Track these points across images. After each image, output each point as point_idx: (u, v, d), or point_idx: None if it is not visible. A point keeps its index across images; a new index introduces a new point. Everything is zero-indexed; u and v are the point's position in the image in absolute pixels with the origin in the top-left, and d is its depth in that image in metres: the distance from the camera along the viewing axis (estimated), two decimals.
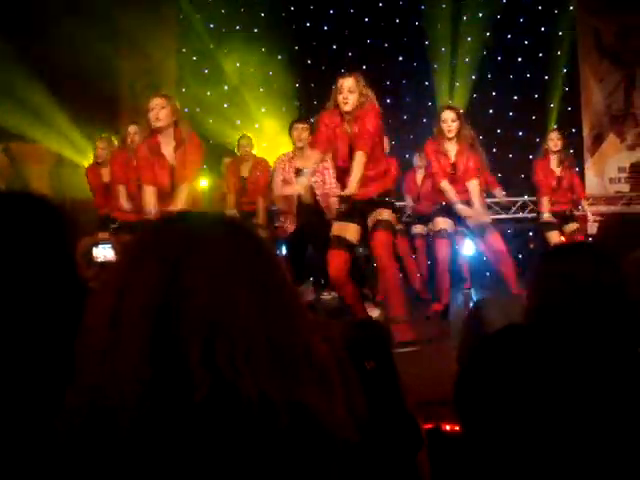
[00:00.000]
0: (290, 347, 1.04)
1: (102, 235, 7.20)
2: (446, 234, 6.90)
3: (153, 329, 0.99)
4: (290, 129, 7.37)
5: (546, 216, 8.26)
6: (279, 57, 11.20)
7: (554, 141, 8.20)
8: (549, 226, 8.27)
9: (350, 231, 5.59)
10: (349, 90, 5.79)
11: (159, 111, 5.59)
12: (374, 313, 6.56)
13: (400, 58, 11.41)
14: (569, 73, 11.33)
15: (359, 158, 5.42)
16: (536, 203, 10.45)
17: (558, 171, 8.22)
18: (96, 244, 5.48)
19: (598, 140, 11.28)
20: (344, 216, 5.67)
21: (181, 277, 1.02)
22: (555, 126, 10.03)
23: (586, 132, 11.28)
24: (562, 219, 8.39)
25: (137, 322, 1.00)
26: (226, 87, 11.41)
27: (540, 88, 11.28)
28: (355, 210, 5.63)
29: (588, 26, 11.29)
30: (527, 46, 11.41)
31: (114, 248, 5.39)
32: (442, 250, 6.92)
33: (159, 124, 5.61)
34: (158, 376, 0.98)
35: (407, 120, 11.10)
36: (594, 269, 1.82)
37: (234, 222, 1.17)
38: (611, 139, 11.27)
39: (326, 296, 8.20)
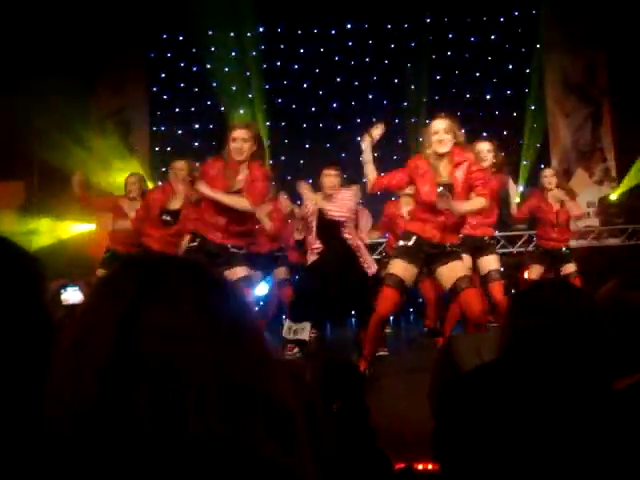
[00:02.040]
0: (246, 392, 1.02)
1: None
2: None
3: (106, 362, 0.99)
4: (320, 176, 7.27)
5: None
6: (250, 96, 11.26)
7: (548, 178, 8.18)
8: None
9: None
10: (445, 131, 5.73)
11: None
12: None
13: (370, 96, 11.51)
14: (537, 109, 11.48)
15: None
16: (508, 238, 10.57)
17: (556, 207, 8.15)
18: (64, 287, 5.44)
19: (566, 175, 11.40)
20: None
21: (136, 319, 1.02)
22: (544, 166, 9.98)
23: (555, 167, 11.41)
24: (556, 258, 8.26)
25: (91, 358, 1.00)
26: (197, 125, 11.44)
27: (509, 125, 11.41)
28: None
29: (555, 63, 11.49)
30: (495, 83, 11.57)
31: (82, 291, 5.34)
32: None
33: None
34: (104, 405, 0.98)
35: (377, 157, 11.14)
36: (568, 304, 1.82)
37: (194, 265, 1.15)
38: (579, 174, 11.41)
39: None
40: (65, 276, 6.91)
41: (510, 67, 11.63)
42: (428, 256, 5.73)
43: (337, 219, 6.90)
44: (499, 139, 11.16)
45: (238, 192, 5.87)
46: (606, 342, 1.83)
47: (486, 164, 6.94)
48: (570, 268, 8.21)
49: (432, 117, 5.87)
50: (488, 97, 11.58)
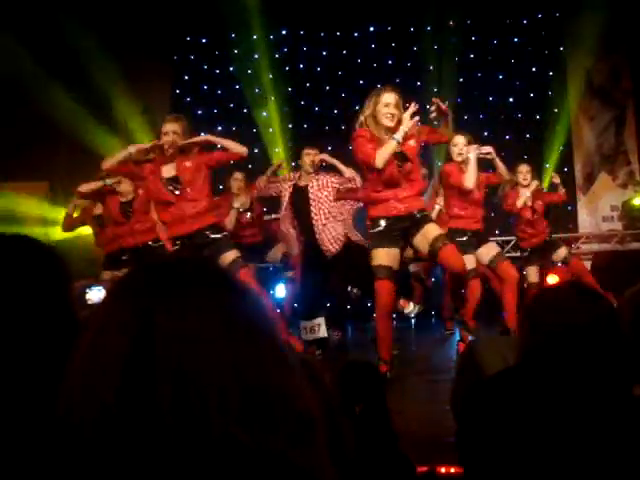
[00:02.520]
0: (265, 394, 1.02)
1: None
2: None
3: (124, 370, 0.99)
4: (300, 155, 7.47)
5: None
6: (272, 99, 11.28)
7: (523, 174, 8.21)
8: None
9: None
10: (394, 106, 5.82)
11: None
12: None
13: None
14: (560, 113, 11.42)
15: None
16: None
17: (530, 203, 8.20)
18: (90, 286, 5.49)
19: (590, 179, 11.36)
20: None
21: (153, 323, 1.02)
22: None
23: (578, 171, 11.36)
24: (544, 250, 8.35)
25: (108, 363, 1.00)
26: (220, 128, 11.47)
27: (532, 128, 11.36)
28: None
29: (579, 66, 11.42)
30: (518, 86, 11.52)
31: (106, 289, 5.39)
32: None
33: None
34: (123, 407, 0.98)
35: None
36: (589, 307, 1.81)
37: (210, 266, 1.15)
38: (603, 178, 11.34)
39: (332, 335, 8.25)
40: (84, 271, 6.97)
41: (533, 70, 11.57)
42: (402, 232, 5.75)
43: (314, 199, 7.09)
44: (522, 142, 11.20)
45: (175, 180, 6.02)
46: (625, 347, 1.82)
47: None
48: (562, 253, 8.21)
49: (381, 88, 5.95)
50: (511, 100, 11.53)
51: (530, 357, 1.84)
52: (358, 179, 7.04)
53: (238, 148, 6.41)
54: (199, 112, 11.50)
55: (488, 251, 7.19)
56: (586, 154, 11.41)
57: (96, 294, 5.55)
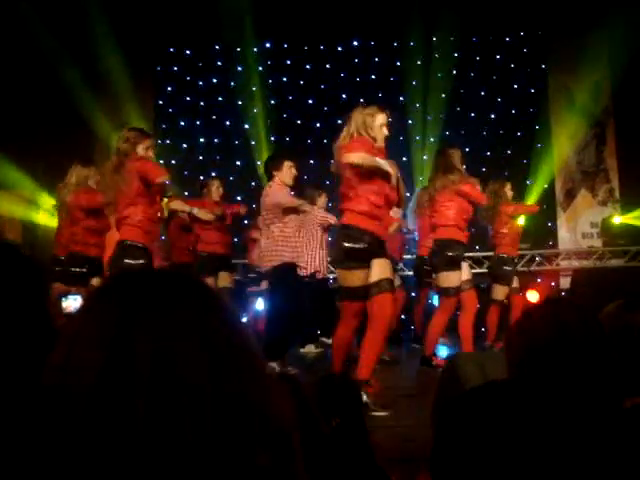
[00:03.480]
0: (242, 405, 1.02)
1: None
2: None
3: (97, 383, 0.98)
4: (280, 166, 7.17)
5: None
6: (255, 110, 11.29)
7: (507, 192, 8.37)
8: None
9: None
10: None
11: None
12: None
13: None
14: (541, 129, 11.51)
15: None
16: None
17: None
18: (64, 295, 5.45)
19: (570, 196, 11.44)
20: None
21: (130, 335, 1.01)
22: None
23: (558, 188, 11.45)
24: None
25: (83, 370, 0.99)
26: (202, 139, 11.47)
27: (513, 144, 11.44)
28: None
29: (560, 84, 11.52)
30: (500, 103, 11.61)
31: (84, 299, 5.36)
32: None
33: None
34: (97, 417, 0.97)
35: None
36: (577, 321, 1.81)
37: (191, 282, 1.14)
38: (583, 195, 11.42)
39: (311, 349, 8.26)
40: None
41: (515, 87, 11.66)
42: (372, 253, 5.37)
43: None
44: (503, 158, 11.27)
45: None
46: (614, 361, 1.82)
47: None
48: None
49: (374, 107, 5.92)
50: (493, 116, 11.61)
51: (520, 370, 1.84)
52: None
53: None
54: (182, 123, 11.50)
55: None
56: (567, 171, 11.50)
57: (72, 303, 5.50)
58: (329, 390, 2.64)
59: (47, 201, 9.60)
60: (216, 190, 8.57)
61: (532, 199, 10.95)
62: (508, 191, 8.34)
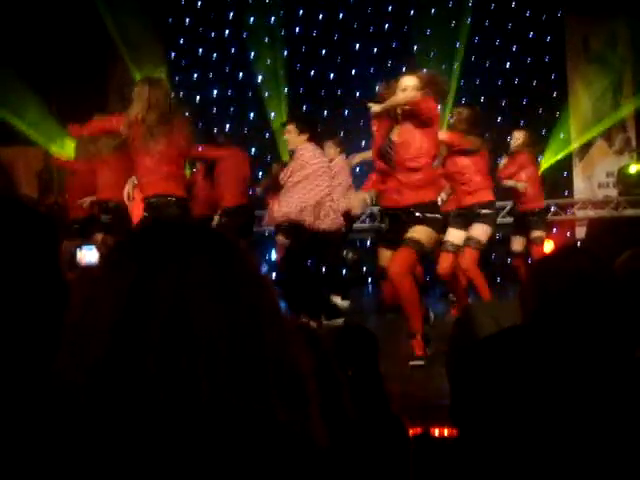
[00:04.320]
0: (258, 357, 1.02)
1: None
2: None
3: (115, 332, 1.00)
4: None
5: None
6: (268, 62, 11.21)
7: (514, 140, 8.23)
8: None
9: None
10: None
11: None
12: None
13: (389, 63, 11.43)
14: (557, 79, 11.37)
15: None
16: None
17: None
18: (79, 247, 5.45)
19: (586, 145, 11.34)
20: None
21: (146, 285, 1.02)
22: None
23: (574, 136, 11.33)
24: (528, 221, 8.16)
25: (100, 322, 1.01)
26: (215, 92, 11.41)
27: (528, 93, 11.32)
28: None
29: (576, 32, 11.36)
30: (515, 51, 11.46)
31: (99, 250, 5.37)
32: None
33: None
34: (113, 372, 0.98)
35: None
36: (592, 270, 1.82)
37: (205, 228, 1.16)
38: (599, 144, 11.32)
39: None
40: None
41: (531, 35, 11.50)
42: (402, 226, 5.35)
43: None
44: (518, 108, 11.16)
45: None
46: (627, 310, 1.84)
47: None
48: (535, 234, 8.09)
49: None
50: (508, 65, 11.47)
51: (534, 317, 1.85)
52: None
53: None
54: (195, 76, 11.43)
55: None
56: (582, 120, 11.38)
57: (87, 254, 5.51)
58: (346, 340, 2.67)
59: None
60: None
61: (548, 148, 10.88)
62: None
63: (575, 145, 11.31)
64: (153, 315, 1.00)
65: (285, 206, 6.73)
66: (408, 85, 5.25)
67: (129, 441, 0.96)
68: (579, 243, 10.43)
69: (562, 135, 11.18)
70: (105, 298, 1.03)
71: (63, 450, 0.98)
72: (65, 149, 9.84)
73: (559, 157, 11.13)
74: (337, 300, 8.17)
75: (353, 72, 11.47)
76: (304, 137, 6.78)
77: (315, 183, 6.74)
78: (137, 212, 5.64)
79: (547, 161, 10.91)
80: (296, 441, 1.02)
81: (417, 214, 5.26)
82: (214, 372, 0.98)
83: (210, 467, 0.96)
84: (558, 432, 1.66)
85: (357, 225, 9.35)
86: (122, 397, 0.98)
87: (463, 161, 6.73)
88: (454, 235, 6.81)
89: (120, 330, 0.99)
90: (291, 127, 6.83)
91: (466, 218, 6.79)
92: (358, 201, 5.68)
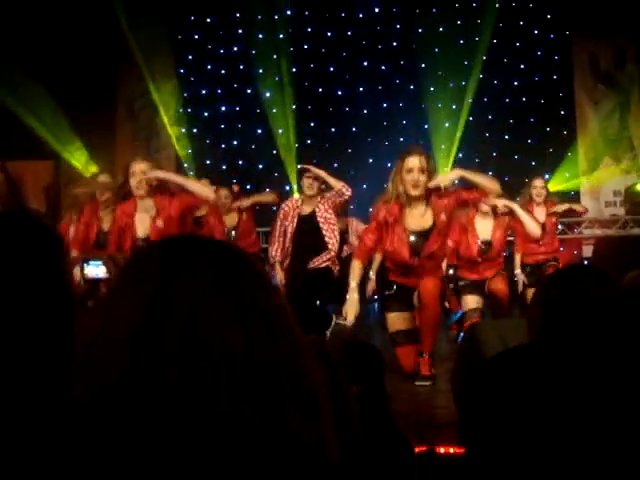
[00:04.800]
0: (274, 370, 1.03)
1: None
2: None
3: (134, 345, 1.00)
4: (300, 176, 7.26)
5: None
6: (276, 79, 11.25)
7: (537, 190, 7.86)
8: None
9: None
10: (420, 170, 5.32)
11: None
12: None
13: (397, 81, 11.47)
14: (565, 97, 11.39)
15: None
16: None
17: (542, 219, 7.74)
18: (87, 261, 5.46)
19: (593, 163, 11.33)
20: None
21: (165, 299, 1.02)
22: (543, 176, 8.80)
23: (581, 156, 11.33)
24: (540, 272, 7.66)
25: (119, 338, 1.01)
26: (223, 108, 11.45)
27: (536, 112, 11.33)
28: None
29: (584, 50, 11.38)
30: (523, 70, 11.48)
31: (106, 265, 5.37)
32: None
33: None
34: (132, 389, 0.98)
35: (403, 143, 11.14)
36: (599, 288, 1.82)
37: (221, 244, 1.16)
38: (606, 163, 11.31)
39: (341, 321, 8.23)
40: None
41: (539, 53, 11.53)
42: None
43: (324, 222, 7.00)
44: (525, 126, 11.17)
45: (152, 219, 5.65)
46: (635, 328, 1.83)
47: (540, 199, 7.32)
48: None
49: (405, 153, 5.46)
50: (515, 83, 11.49)
51: (543, 336, 1.85)
52: (348, 192, 6.94)
53: (205, 192, 5.74)
54: (203, 92, 11.48)
55: None
56: (590, 139, 11.37)
57: (94, 269, 5.52)
58: (352, 356, 2.66)
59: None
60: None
61: (555, 167, 10.89)
62: (533, 189, 7.94)
63: (583, 166, 11.29)
64: (172, 330, 1.00)
65: None
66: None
67: (148, 456, 0.96)
68: (586, 262, 10.41)
69: (569, 154, 11.17)
70: (122, 315, 1.03)
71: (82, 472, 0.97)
72: (75, 158, 9.92)
73: (569, 185, 11.11)
74: (340, 320, 8.19)
75: (361, 89, 11.51)
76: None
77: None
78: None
79: (556, 181, 10.89)
80: (308, 454, 1.02)
81: None
82: (233, 382, 0.99)
83: (226, 476, 0.97)
84: (567, 451, 1.66)
85: None
86: (140, 416, 0.98)
87: None
88: None
89: (140, 344, 1.00)
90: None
91: None
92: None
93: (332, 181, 6.97)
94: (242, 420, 0.98)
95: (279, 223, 7.18)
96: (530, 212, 7.32)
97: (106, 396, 0.99)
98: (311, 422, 1.04)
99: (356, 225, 7.83)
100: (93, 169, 8.87)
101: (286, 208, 7.16)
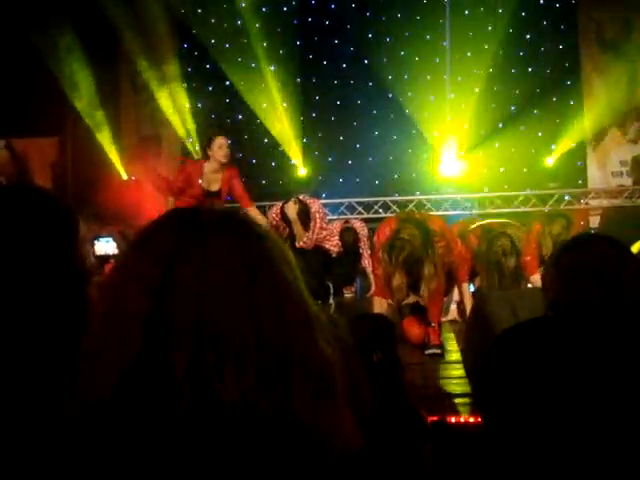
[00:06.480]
0: (285, 354, 1.00)
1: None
2: None
3: (143, 330, 0.98)
4: None
5: None
6: (280, 52, 11.18)
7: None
8: None
9: None
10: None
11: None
12: None
13: (402, 52, 11.38)
14: (571, 67, 11.30)
15: None
16: (540, 197, 10.51)
17: None
18: (97, 237, 5.47)
19: (600, 134, 11.26)
20: None
21: (173, 280, 1.00)
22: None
23: (588, 125, 11.25)
24: None
25: (126, 322, 0.99)
26: (227, 83, 11.39)
27: (542, 82, 11.25)
28: None
29: (590, 19, 11.26)
30: (528, 40, 11.38)
31: (116, 241, 5.38)
32: None
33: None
34: (141, 378, 0.97)
35: (408, 115, 11.08)
36: (617, 258, 1.81)
37: (235, 218, 1.12)
38: (613, 133, 11.24)
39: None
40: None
41: (544, 23, 11.42)
42: None
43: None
44: (532, 97, 11.09)
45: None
46: None
47: None
48: None
49: None
50: (521, 54, 11.39)
51: (561, 307, 1.84)
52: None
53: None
54: (207, 66, 11.41)
55: None
56: (596, 109, 11.28)
57: (104, 245, 5.53)
58: (368, 327, 2.68)
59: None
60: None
61: (561, 137, 10.84)
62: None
63: (589, 136, 11.22)
64: (180, 313, 0.98)
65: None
66: None
67: (154, 440, 0.95)
68: (593, 232, 10.38)
69: (575, 124, 11.10)
70: (130, 296, 1.01)
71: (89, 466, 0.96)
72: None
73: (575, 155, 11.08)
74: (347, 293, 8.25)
75: (365, 61, 11.42)
76: None
77: None
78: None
79: (560, 150, 10.87)
80: (317, 442, 0.99)
81: None
82: (240, 372, 0.97)
83: (235, 467, 0.95)
84: (587, 423, 1.66)
85: None
86: (147, 408, 0.96)
87: None
88: None
89: (147, 332, 0.98)
90: None
91: None
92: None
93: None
94: (247, 407, 0.96)
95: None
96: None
97: (115, 379, 0.97)
98: (322, 407, 1.01)
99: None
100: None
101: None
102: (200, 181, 6.90)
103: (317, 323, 1.08)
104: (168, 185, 7.15)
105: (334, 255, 7.26)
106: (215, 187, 6.98)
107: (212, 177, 6.98)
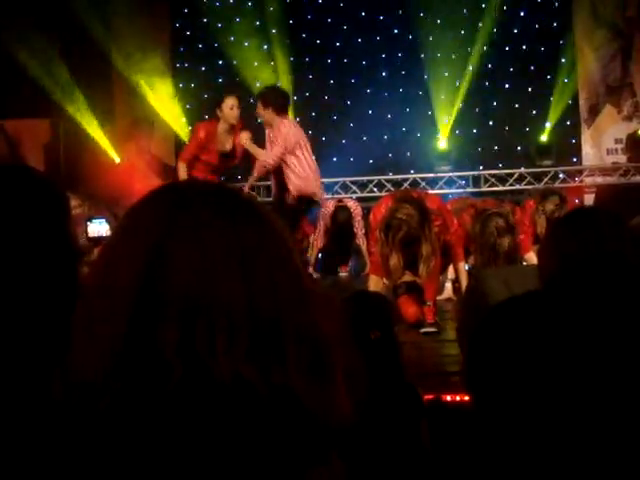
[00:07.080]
0: (278, 329, 0.99)
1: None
2: None
3: (133, 305, 0.97)
4: None
5: None
6: (273, 31, 11.12)
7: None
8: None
9: None
10: None
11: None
12: None
13: (395, 30, 11.34)
14: (565, 44, 11.26)
15: None
16: (534, 175, 10.53)
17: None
18: (90, 219, 5.47)
19: (594, 111, 11.24)
20: None
21: (164, 254, 0.99)
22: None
23: (582, 103, 11.23)
24: None
25: (116, 297, 0.98)
26: (220, 62, 11.33)
27: (536, 59, 11.21)
28: None
29: None
30: (523, 17, 11.33)
31: (109, 223, 5.38)
32: None
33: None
34: (131, 355, 0.96)
35: (402, 93, 11.05)
36: (612, 228, 1.81)
37: (227, 191, 1.11)
38: (608, 110, 11.22)
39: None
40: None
41: (538, 0, 11.37)
42: None
43: None
44: (526, 74, 11.07)
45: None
46: None
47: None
48: None
49: None
50: (515, 31, 11.34)
51: (554, 280, 1.83)
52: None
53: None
54: (200, 46, 11.35)
55: None
56: (591, 86, 11.26)
57: (97, 227, 5.53)
58: (364, 305, 2.67)
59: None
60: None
61: (556, 115, 10.83)
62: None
63: (584, 113, 11.20)
64: (171, 287, 0.97)
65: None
66: None
67: (145, 418, 0.94)
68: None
69: (570, 101, 11.08)
70: (120, 272, 1.00)
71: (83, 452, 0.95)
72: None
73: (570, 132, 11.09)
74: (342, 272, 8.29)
75: (359, 40, 11.37)
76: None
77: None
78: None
79: (555, 127, 10.87)
80: (311, 417, 0.98)
81: None
82: (232, 347, 0.95)
83: (228, 446, 0.94)
84: (579, 400, 1.65)
85: None
86: (139, 387, 0.95)
87: None
88: None
89: (137, 309, 0.96)
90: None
91: None
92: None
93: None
94: (240, 382, 0.95)
95: None
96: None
97: (106, 358, 0.96)
98: (317, 381, 1.00)
99: None
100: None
101: None
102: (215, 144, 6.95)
103: (312, 298, 1.06)
104: (182, 155, 7.17)
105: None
106: (228, 147, 7.04)
107: (225, 137, 7.03)
